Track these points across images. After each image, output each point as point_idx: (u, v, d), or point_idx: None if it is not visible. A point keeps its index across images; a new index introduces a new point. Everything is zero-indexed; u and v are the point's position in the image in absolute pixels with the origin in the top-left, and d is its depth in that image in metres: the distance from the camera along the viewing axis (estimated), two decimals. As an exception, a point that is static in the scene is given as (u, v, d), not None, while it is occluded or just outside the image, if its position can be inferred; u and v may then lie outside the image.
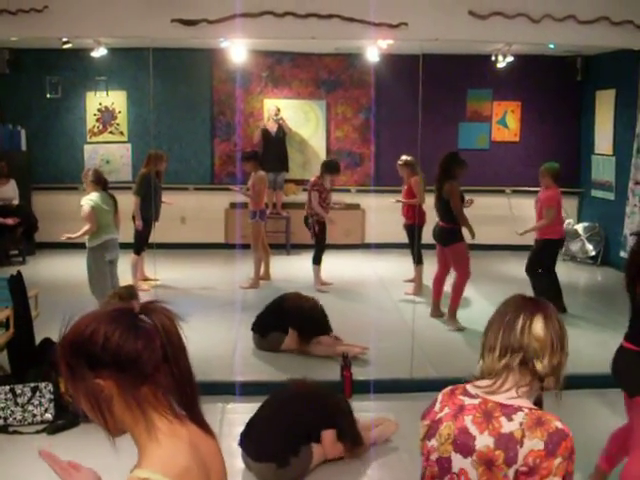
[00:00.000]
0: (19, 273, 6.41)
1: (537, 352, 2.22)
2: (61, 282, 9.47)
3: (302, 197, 12.23)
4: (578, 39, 6.59)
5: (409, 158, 9.50)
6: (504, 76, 11.48)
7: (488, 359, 2.28)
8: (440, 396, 2.39)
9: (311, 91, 12.60)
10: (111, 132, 12.44)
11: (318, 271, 9.60)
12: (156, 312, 1.69)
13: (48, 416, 5.61)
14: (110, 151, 12.39)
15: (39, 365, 5.92)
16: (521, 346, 2.23)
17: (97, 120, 12.40)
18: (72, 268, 9.16)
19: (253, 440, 4.85)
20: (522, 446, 2.08)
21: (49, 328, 7.11)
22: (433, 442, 2.26)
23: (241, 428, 5.05)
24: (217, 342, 7.40)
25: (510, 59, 10.64)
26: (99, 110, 12.37)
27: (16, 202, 10.92)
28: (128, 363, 1.63)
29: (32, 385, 5.65)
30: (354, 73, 12.48)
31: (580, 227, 11.96)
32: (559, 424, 2.13)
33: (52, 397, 5.64)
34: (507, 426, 2.13)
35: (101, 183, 7.78)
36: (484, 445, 2.14)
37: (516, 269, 8.74)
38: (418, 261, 9.46)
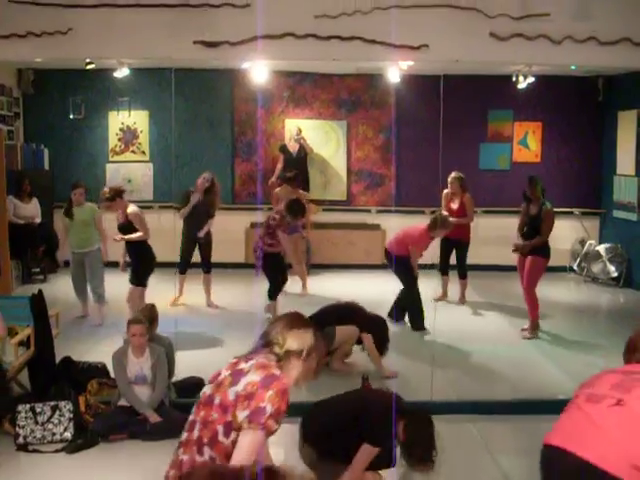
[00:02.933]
0: (40, 292, 6.45)
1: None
2: (72, 300, 9.46)
3: (322, 217, 12.28)
4: (600, 60, 6.57)
5: (461, 174, 9.90)
6: (525, 96, 11.49)
7: None
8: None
9: (332, 111, 12.64)
10: (133, 151, 12.53)
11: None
12: None
13: (67, 435, 5.61)
14: (132, 170, 12.47)
15: (59, 384, 5.95)
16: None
17: (119, 139, 12.50)
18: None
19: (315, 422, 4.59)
20: (245, 376, 2.97)
21: (70, 347, 7.18)
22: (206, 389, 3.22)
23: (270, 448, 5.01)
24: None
25: (531, 80, 10.67)
26: (121, 129, 12.48)
27: (38, 220, 11.01)
28: None
29: (52, 404, 5.66)
30: (375, 94, 12.51)
31: (602, 248, 11.87)
32: (277, 372, 3.04)
33: (71, 416, 5.65)
34: (242, 365, 3.09)
35: None
36: (223, 376, 3.11)
37: (539, 290, 8.68)
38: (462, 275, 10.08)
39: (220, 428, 2.95)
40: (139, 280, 8.18)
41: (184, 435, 3.15)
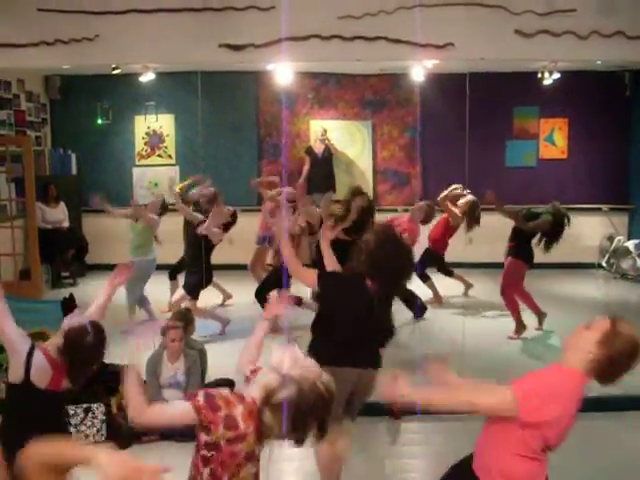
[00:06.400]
0: (71, 295, 6.52)
1: None
2: (110, 304, 9.54)
3: (348, 217, 12.25)
4: (626, 55, 6.52)
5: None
6: (551, 93, 11.42)
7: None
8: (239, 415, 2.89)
9: (357, 112, 12.63)
10: (159, 155, 12.61)
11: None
12: None
13: (100, 437, 5.67)
14: (158, 174, 12.55)
15: (91, 386, 5.99)
16: None
17: (145, 143, 12.58)
18: (121, 290, 9.23)
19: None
20: None
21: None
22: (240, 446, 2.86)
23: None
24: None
25: (556, 75, 10.62)
26: (147, 133, 12.56)
27: (66, 225, 11.13)
28: None
29: (85, 406, 5.72)
30: (399, 93, 12.48)
31: (631, 244, 11.76)
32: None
33: (104, 418, 5.70)
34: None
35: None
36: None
37: (568, 287, 8.64)
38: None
39: None
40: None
41: None
